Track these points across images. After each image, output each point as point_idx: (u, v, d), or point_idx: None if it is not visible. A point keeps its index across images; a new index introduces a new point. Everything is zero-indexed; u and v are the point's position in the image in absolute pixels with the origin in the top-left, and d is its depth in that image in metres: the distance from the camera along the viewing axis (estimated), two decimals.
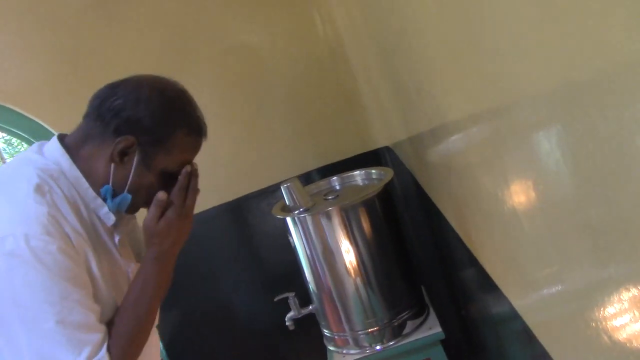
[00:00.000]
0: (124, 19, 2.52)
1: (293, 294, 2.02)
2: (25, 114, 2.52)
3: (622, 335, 0.58)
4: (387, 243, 1.91)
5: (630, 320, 0.55)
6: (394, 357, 1.89)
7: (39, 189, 1.09)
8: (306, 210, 1.87)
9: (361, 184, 2.10)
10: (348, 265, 1.83)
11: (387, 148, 2.61)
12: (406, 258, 2.00)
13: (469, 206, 1.19)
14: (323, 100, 2.66)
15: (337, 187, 2.14)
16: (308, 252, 1.88)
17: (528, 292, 0.94)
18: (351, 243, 1.82)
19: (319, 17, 2.61)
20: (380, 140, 2.67)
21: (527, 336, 0.96)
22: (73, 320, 1.05)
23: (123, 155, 1.18)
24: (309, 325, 2.12)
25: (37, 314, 1.03)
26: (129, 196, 1.21)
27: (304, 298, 2.04)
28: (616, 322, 0.58)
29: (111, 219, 1.22)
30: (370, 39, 1.97)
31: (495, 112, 0.80)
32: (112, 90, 1.22)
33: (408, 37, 1.27)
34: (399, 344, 1.88)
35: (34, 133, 2.55)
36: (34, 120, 2.54)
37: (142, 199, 1.24)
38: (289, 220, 1.88)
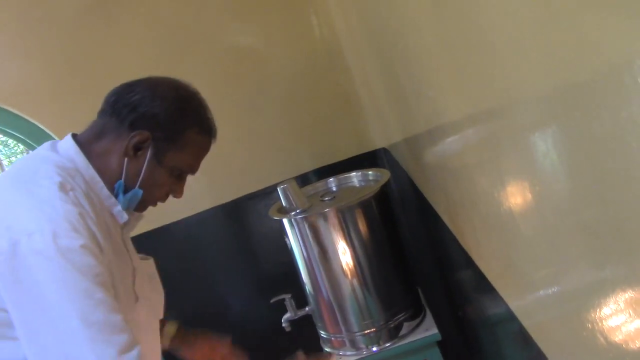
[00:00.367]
0: (122, 20, 2.52)
1: (289, 295, 2.02)
2: (22, 115, 2.52)
3: (617, 336, 0.58)
4: (383, 244, 1.91)
5: (626, 321, 0.55)
6: (390, 358, 1.89)
7: (62, 187, 1.10)
8: (303, 212, 1.87)
9: (358, 185, 2.10)
10: (344, 266, 1.83)
11: (383, 149, 2.61)
12: (403, 259, 2.00)
13: (466, 207, 1.19)
14: (320, 102, 2.65)
15: (334, 189, 2.14)
16: (305, 253, 1.88)
17: (524, 293, 0.94)
18: (348, 244, 1.82)
19: (316, 18, 2.61)
20: (377, 141, 2.67)
21: (524, 337, 0.96)
22: (97, 319, 1.04)
23: (137, 149, 1.22)
24: (306, 327, 2.12)
25: (62, 312, 1.02)
26: (140, 191, 1.25)
27: (301, 299, 2.04)
28: (612, 323, 0.58)
29: (124, 217, 1.25)
30: (367, 40, 1.97)
31: (492, 114, 0.80)
32: (128, 87, 1.26)
33: (405, 38, 1.27)
34: (396, 345, 1.88)
35: (31, 134, 2.55)
36: (31, 122, 2.53)
37: (152, 195, 1.28)
38: (285, 221, 1.88)
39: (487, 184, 0.95)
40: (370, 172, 2.08)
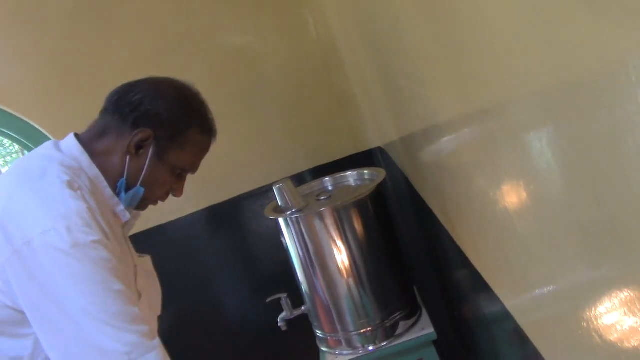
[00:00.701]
0: (116, 19, 2.51)
1: (285, 294, 2.01)
2: (17, 114, 2.51)
3: (613, 335, 0.58)
4: (379, 244, 1.91)
5: (621, 320, 0.55)
6: (386, 357, 1.89)
7: (70, 185, 1.12)
8: (299, 211, 1.87)
9: (354, 184, 2.10)
10: (340, 266, 1.83)
11: (379, 149, 2.62)
12: (399, 258, 2.00)
13: (461, 207, 1.19)
14: (315, 101, 2.65)
15: (330, 188, 2.14)
16: (300, 253, 1.88)
17: (520, 292, 0.94)
18: (344, 244, 1.82)
19: (312, 18, 2.61)
20: (372, 141, 2.67)
21: (519, 336, 0.96)
22: (117, 310, 1.05)
23: (139, 147, 1.23)
24: (302, 326, 2.11)
25: (82, 305, 1.04)
26: (142, 190, 1.26)
27: (297, 299, 2.03)
28: (607, 322, 0.58)
29: (126, 216, 1.27)
30: (363, 39, 1.97)
31: (487, 113, 0.80)
32: (130, 87, 1.28)
33: (400, 38, 1.27)
34: (392, 344, 1.88)
35: (26, 134, 2.54)
36: (26, 121, 2.52)
37: (153, 194, 1.30)
38: (281, 221, 1.88)
39: (483, 183, 0.95)
40: (366, 172, 2.08)
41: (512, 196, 0.81)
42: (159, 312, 1.45)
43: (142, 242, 2.59)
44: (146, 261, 1.43)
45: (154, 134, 1.23)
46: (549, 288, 0.77)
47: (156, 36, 2.53)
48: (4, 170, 2.92)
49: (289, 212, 1.87)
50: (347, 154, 2.69)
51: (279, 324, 2.03)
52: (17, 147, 2.84)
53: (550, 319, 0.81)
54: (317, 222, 1.82)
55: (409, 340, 1.88)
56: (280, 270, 2.61)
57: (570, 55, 0.48)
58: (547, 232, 0.70)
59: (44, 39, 2.48)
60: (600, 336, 0.61)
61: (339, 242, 1.82)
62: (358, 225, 1.84)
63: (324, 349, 2.01)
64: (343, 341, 1.93)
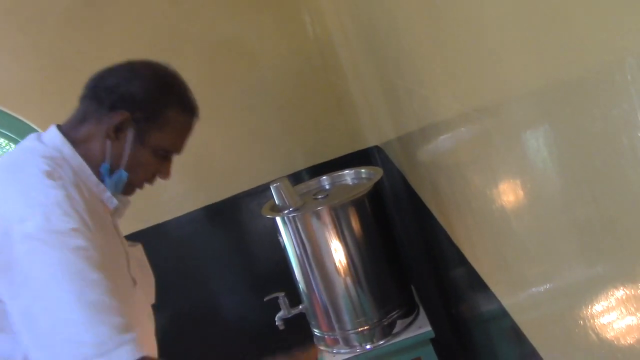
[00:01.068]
0: (112, 18, 2.51)
1: (283, 293, 2.01)
2: (13, 113, 2.50)
3: (609, 333, 0.58)
4: (376, 242, 1.91)
5: (617, 318, 0.55)
6: (384, 356, 1.89)
7: (50, 175, 1.11)
8: (296, 210, 1.87)
9: (351, 183, 2.10)
10: (338, 264, 1.83)
11: (376, 147, 2.62)
12: (396, 257, 2.00)
13: (458, 205, 1.19)
14: (313, 100, 2.65)
15: (327, 187, 2.14)
16: (298, 251, 1.88)
17: (517, 290, 0.95)
18: (341, 242, 1.82)
19: (309, 16, 2.61)
20: (370, 139, 2.67)
21: (516, 334, 0.96)
22: (93, 300, 1.03)
23: (118, 131, 1.22)
24: (299, 325, 2.12)
25: (58, 294, 1.02)
26: (125, 173, 1.25)
27: (294, 298, 2.04)
28: (603, 320, 0.59)
29: (114, 202, 1.26)
30: (360, 38, 1.97)
31: (484, 112, 0.80)
32: (107, 71, 1.27)
33: (398, 36, 1.27)
34: (389, 343, 1.88)
35: (22, 133, 2.53)
36: (22, 120, 2.52)
37: (138, 177, 1.29)
38: (278, 220, 1.88)
39: (480, 181, 0.95)
40: (363, 170, 2.08)
41: (509, 195, 0.81)
42: (152, 301, 1.44)
43: (139, 240, 2.58)
44: (137, 250, 1.43)
45: (131, 116, 1.22)
46: (546, 286, 0.77)
47: (153, 35, 2.53)
48: None
49: (286, 211, 1.87)
50: (345, 152, 2.69)
51: (277, 323, 2.03)
52: (13, 146, 2.83)
53: (548, 317, 0.81)
54: (314, 221, 1.82)
55: (407, 338, 1.88)
56: (277, 269, 2.61)
57: (567, 54, 0.48)
58: (544, 230, 0.70)
59: (41, 38, 2.47)
60: (597, 334, 0.61)
61: (336, 241, 1.82)
62: (355, 224, 1.84)
63: (321, 347, 2.01)
64: (340, 340, 1.93)
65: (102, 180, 1.23)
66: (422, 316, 1.97)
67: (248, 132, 2.66)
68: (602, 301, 0.58)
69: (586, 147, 0.50)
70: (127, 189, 1.31)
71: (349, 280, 1.85)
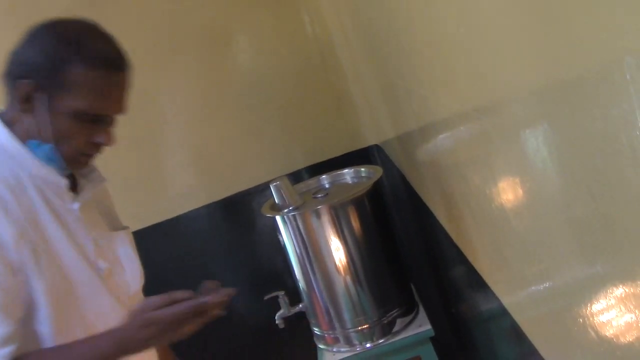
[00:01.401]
0: (111, 17, 2.49)
1: (283, 292, 2.02)
2: None
3: (608, 331, 0.59)
4: (376, 241, 1.91)
5: (616, 316, 0.55)
6: (384, 354, 1.89)
7: None
8: (295, 209, 1.87)
9: (350, 182, 2.10)
10: (338, 263, 1.84)
11: (376, 146, 2.62)
12: (396, 256, 2.00)
13: (458, 204, 1.19)
14: (312, 99, 2.65)
15: (327, 186, 2.14)
16: (298, 250, 1.88)
17: (516, 289, 0.95)
18: (341, 241, 1.82)
19: (308, 16, 2.61)
20: (369, 138, 2.67)
21: (516, 333, 0.96)
22: None
23: (27, 101, 1.11)
24: (299, 324, 2.12)
25: None
26: (49, 146, 1.13)
27: (294, 296, 2.04)
28: (603, 318, 0.59)
29: (62, 182, 1.17)
30: (359, 37, 1.97)
31: (483, 111, 0.80)
32: (18, 42, 1.18)
33: (397, 35, 1.27)
34: (389, 341, 1.88)
35: None
36: None
37: (70, 147, 1.15)
38: (278, 218, 1.88)
39: (479, 180, 0.95)
40: (362, 169, 2.08)
41: (508, 193, 0.81)
42: (137, 285, 1.36)
43: (139, 239, 2.58)
44: (119, 235, 1.35)
45: (36, 83, 1.10)
46: (545, 285, 0.78)
47: (153, 34, 2.52)
48: None
49: (286, 210, 1.88)
50: (344, 151, 2.69)
51: (277, 322, 2.03)
52: None
53: (547, 315, 0.81)
54: (314, 220, 1.82)
55: (406, 337, 1.88)
56: (277, 268, 2.61)
57: (566, 54, 0.49)
58: (543, 229, 0.70)
59: None
60: (596, 332, 0.61)
61: (336, 240, 1.82)
62: (355, 223, 1.84)
63: (321, 346, 2.01)
64: (340, 338, 1.93)
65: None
66: (422, 315, 1.97)
67: (248, 131, 2.66)
68: (602, 299, 0.58)
69: (585, 146, 0.50)
70: (69, 162, 1.17)
71: (348, 279, 1.85)
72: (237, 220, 2.75)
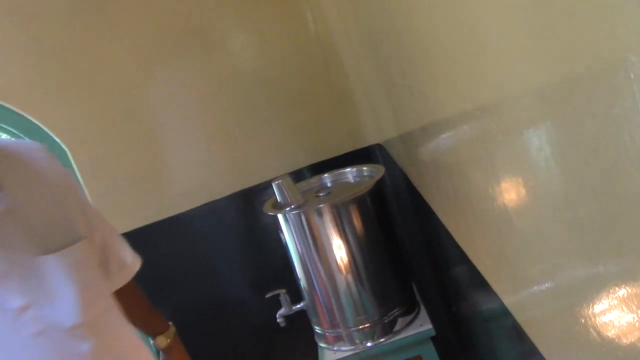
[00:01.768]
0: (115, 15, 2.51)
1: (284, 290, 2.02)
2: (16, 109, 2.51)
3: (610, 331, 0.58)
4: (378, 240, 1.91)
5: (618, 316, 0.55)
6: (384, 354, 1.89)
7: None
8: (297, 208, 1.87)
9: (352, 181, 2.10)
10: (339, 262, 1.84)
11: (378, 145, 2.62)
12: (397, 255, 2.00)
13: (460, 203, 1.19)
14: (315, 98, 2.66)
15: (329, 185, 2.14)
16: (299, 249, 1.88)
17: (518, 289, 0.95)
18: (342, 240, 1.82)
19: (311, 14, 2.61)
20: (371, 137, 2.67)
21: (517, 333, 0.96)
22: None
23: None
24: (300, 322, 2.12)
25: None
26: None
27: (295, 295, 2.04)
28: (604, 319, 0.59)
29: None
30: (362, 36, 1.97)
31: (485, 110, 0.80)
32: None
33: (399, 34, 1.27)
34: (390, 340, 1.88)
35: (24, 128, 2.54)
36: (23, 116, 2.52)
37: None
38: (280, 217, 1.88)
39: (481, 179, 0.95)
40: (364, 168, 2.08)
41: (510, 193, 0.81)
42: (75, 317, 1.13)
43: (140, 238, 2.59)
44: (48, 260, 1.11)
45: None
46: (547, 284, 0.77)
47: (155, 32, 2.53)
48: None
49: (287, 209, 1.88)
50: (346, 150, 2.69)
51: (278, 320, 2.03)
52: None
53: (548, 315, 0.81)
54: (315, 219, 1.82)
55: (407, 336, 1.88)
56: (279, 266, 2.61)
57: (568, 51, 0.48)
58: (545, 228, 0.70)
59: (43, 34, 2.47)
60: (598, 332, 0.61)
61: (338, 239, 1.82)
62: (357, 222, 1.84)
63: (322, 344, 2.01)
64: (341, 337, 1.93)
65: None
66: (423, 314, 1.97)
67: (250, 130, 2.66)
68: (604, 300, 0.58)
69: (588, 145, 0.50)
70: None
71: (350, 277, 1.85)
72: (239, 219, 2.75)
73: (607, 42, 0.42)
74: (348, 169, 2.14)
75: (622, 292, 0.52)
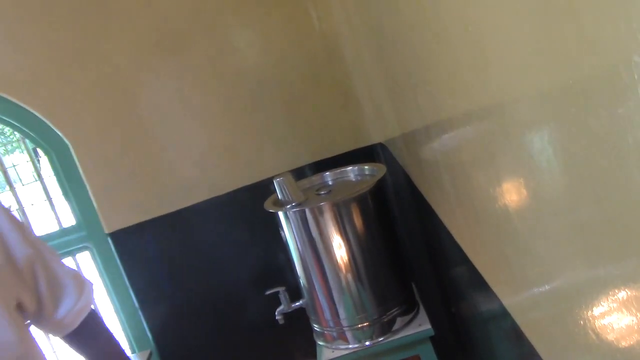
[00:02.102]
0: (119, 9, 2.51)
1: (284, 288, 2.02)
2: (18, 102, 2.51)
3: (609, 334, 0.58)
4: (378, 239, 1.91)
5: (617, 318, 0.55)
6: (383, 353, 1.89)
7: None
8: (298, 205, 1.87)
9: (354, 180, 2.10)
10: (339, 260, 1.84)
11: (380, 145, 2.61)
12: (397, 254, 2.00)
13: (461, 204, 1.19)
14: (317, 96, 2.65)
15: (330, 183, 2.14)
16: (299, 246, 1.88)
17: (518, 290, 0.94)
18: (342, 238, 1.82)
19: (315, 13, 2.61)
20: (373, 136, 2.67)
21: (516, 334, 0.96)
22: None
23: None
24: (299, 320, 2.12)
25: None
26: None
27: (295, 292, 2.04)
28: (603, 321, 0.58)
29: None
30: (366, 35, 1.97)
31: (488, 110, 0.80)
32: None
33: (404, 34, 1.27)
34: (389, 340, 1.88)
35: (27, 122, 2.54)
36: (27, 109, 2.52)
37: None
38: (280, 214, 1.88)
39: (483, 180, 0.95)
40: (366, 167, 2.08)
41: (512, 194, 0.81)
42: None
43: (140, 234, 2.60)
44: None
45: None
46: (546, 286, 0.77)
47: (158, 28, 2.53)
48: (4, 158, 2.90)
49: (288, 206, 1.88)
50: (348, 149, 2.69)
51: (277, 317, 2.03)
52: (17, 135, 2.83)
53: (548, 317, 0.81)
54: (316, 217, 1.82)
55: (406, 336, 1.88)
56: (278, 263, 2.62)
57: (572, 52, 0.48)
58: (546, 230, 0.70)
59: (47, 28, 2.48)
60: (597, 334, 0.61)
61: (338, 237, 1.82)
62: (357, 221, 1.84)
63: (321, 343, 2.01)
64: (340, 335, 1.93)
65: None
66: (422, 314, 1.97)
67: (252, 127, 2.66)
68: (603, 302, 0.57)
69: (591, 146, 0.49)
70: None
71: (349, 276, 1.85)
72: (240, 215, 2.75)
73: (612, 43, 0.42)
74: (350, 168, 2.14)
75: (622, 294, 0.52)
